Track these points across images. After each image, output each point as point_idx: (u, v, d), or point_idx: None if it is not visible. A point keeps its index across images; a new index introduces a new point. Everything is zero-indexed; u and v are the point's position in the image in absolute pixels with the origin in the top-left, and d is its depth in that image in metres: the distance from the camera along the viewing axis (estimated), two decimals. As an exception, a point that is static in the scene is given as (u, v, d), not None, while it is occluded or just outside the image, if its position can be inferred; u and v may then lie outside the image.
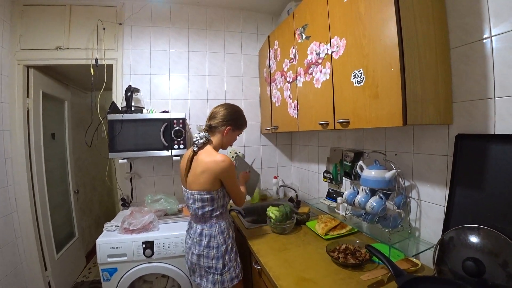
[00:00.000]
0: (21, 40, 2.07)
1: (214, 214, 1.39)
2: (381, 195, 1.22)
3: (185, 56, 2.40)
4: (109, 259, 1.64)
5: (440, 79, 1.06)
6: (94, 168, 3.76)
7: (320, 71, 1.44)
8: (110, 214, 4.20)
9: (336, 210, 1.62)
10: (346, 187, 1.74)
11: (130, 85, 1.96)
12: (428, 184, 1.20)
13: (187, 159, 1.42)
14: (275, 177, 2.50)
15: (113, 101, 1.97)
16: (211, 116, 1.46)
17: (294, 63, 1.75)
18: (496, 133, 0.97)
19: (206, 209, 1.37)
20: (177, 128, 2.02)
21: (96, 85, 2.12)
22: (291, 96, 1.81)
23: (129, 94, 1.93)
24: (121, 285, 1.68)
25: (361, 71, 1.12)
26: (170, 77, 2.37)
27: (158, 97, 2.33)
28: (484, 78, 0.99)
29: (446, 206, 1.09)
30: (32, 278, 2.13)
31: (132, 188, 2.29)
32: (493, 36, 0.96)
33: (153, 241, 1.69)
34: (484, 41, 0.98)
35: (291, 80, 1.80)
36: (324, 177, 1.88)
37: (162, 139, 1.98)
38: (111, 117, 1.84)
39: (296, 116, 1.74)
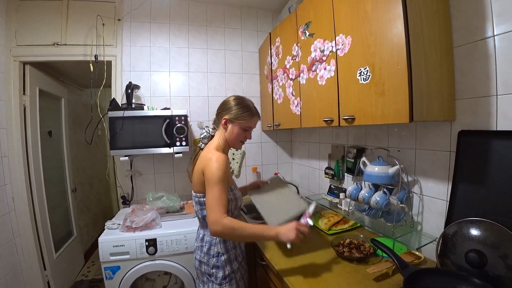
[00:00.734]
0: (17, 35, 2.03)
1: None
2: (385, 190, 1.24)
3: (185, 53, 2.39)
4: (112, 258, 1.64)
5: (444, 77, 1.09)
6: (91, 166, 3.73)
7: (325, 68, 1.45)
8: (107, 212, 4.18)
9: (339, 206, 1.65)
10: (348, 183, 1.76)
11: (130, 82, 1.95)
12: (430, 179, 1.23)
13: (194, 155, 1.37)
14: (275, 174, 2.52)
15: (114, 98, 1.95)
16: (218, 109, 1.34)
17: (297, 60, 1.76)
18: (498, 129, 0.99)
19: (205, 213, 1.22)
20: (179, 125, 2.01)
21: (95, 82, 2.10)
22: (294, 93, 1.82)
23: (129, 91, 1.92)
24: (123, 283, 1.68)
25: (367, 68, 1.14)
26: (170, 74, 2.36)
27: (158, 94, 2.32)
28: (487, 76, 1.02)
29: (448, 200, 1.12)
30: (31, 278, 2.10)
31: (132, 185, 2.28)
32: (496, 35, 0.98)
33: (156, 239, 1.69)
34: (487, 40, 1.01)
35: (293, 77, 1.81)
36: (325, 173, 1.90)
37: (164, 136, 1.97)
38: (112, 114, 1.82)
39: (299, 113, 1.75)
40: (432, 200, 1.23)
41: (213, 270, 1.23)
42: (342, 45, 1.29)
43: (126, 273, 1.68)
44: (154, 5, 2.31)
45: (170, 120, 1.99)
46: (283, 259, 1.29)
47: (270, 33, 2.18)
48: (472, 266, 0.95)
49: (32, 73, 2.14)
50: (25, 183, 2.06)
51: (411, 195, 1.30)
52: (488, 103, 1.02)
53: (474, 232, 0.98)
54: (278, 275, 1.19)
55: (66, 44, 2.08)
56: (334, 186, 1.86)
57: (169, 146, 2.01)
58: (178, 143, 2.02)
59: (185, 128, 2.02)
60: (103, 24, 2.13)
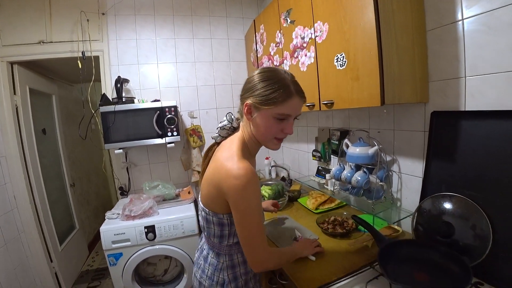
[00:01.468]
0: (1, 36, 2.03)
1: (225, 243, 0.97)
2: (365, 169, 1.32)
3: (171, 44, 2.40)
4: (114, 245, 1.74)
5: (417, 60, 1.13)
6: (87, 160, 3.79)
7: (305, 55, 1.49)
8: (107, 204, 4.28)
9: (325, 186, 1.73)
10: (334, 164, 1.84)
11: (119, 76, 1.98)
12: (407, 158, 1.31)
13: (206, 150, 1.07)
14: (266, 158, 2.60)
15: (104, 93, 1.99)
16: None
17: (280, 47, 1.79)
18: (466, 109, 1.05)
19: (213, 232, 0.97)
20: (169, 116, 2.07)
21: (84, 77, 2.12)
22: (279, 80, 1.86)
23: (119, 85, 1.95)
24: (127, 268, 1.79)
25: (343, 55, 1.18)
26: (158, 66, 2.38)
27: (147, 86, 2.35)
28: (456, 59, 1.06)
29: (423, 177, 1.20)
30: (39, 270, 2.21)
31: (129, 176, 2.35)
32: (465, 19, 1.01)
33: (154, 225, 1.78)
34: (457, 23, 1.04)
35: (278, 64, 1.85)
36: (313, 155, 1.97)
37: (156, 128, 2.03)
38: (103, 109, 1.87)
39: (284, 99, 1.80)
40: (409, 178, 1.31)
41: None
42: (320, 32, 1.33)
43: (129, 259, 1.79)
44: (137, -4, 2.30)
45: (161, 112, 2.04)
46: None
47: (254, 20, 2.19)
48: (442, 237, 1.04)
49: (21, 73, 2.16)
50: (24, 181, 2.13)
51: (390, 173, 1.38)
52: (457, 84, 1.07)
53: (445, 205, 1.06)
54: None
55: (52, 42, 2.09)
56: (321, 167, 1.94)
57: (161, 137, 2.07)
58: (169, 134, 2.08)
59: (175, 118, 2.07)
60: (88, 20, 2.13)
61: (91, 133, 2.33)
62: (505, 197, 0.91)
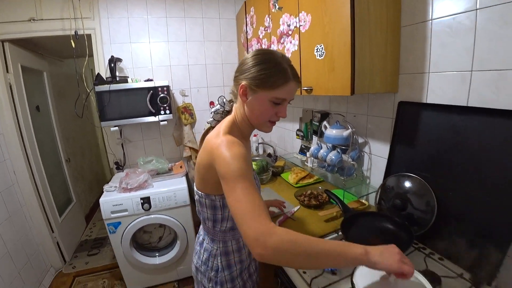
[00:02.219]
0: (-8, 13, 2.03)
1: (218, 228, 0.98)
2: (339, 150, 1.48)
3: (163, 23, 2.43)
4: (113, 215, 1.90)
5: (389, 54, 1.24)
6: (81, 137, 3.88)
7: (290, 42, 1.59)
8: (101, 178, 4.43)
9: (306, 163, 1.90)
10: (315, 143, 2.00)
11: (112, 56, 2.04)
12: (377, 141, 1.47)
13: (202, 135, 1.05)
14: (255, 135, 2.74)
15: (98, 73, 2.06)
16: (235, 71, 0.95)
17: (268, 31, 1.87)
18: (427, 102, 1.19)
19: (206, 215, 0.97)
20: (162, 95, 2.16)
21: (76, 54, 2.16)
22: (267, 63, 1.95)
23: (112, 65, 2.02)
24: (125, 236, 1.97)
25: (322, 46, 1.29)
26: (151, 44, 2.42)
27: (140, 65, 2.41)
28: (423, 55, 1.18)
29: (387, 158, 1.36)
30: (42, 240, 2.39)
31: (124, 152, 2.47)
32: (433, 19, 1.11)
33: (149, 197, 1.95)
34: (426, 22, 1.14)
35: (266, 47, 1.94)
36: (297, 134, 2.13)
37: (149, 106, 2.13)
38: (98, 88, 1.95)
39: (272, 82, 1.91)
40: (378, 158, 1.48)
41: (211, 285, 1.02)
42: (304, 22, 1.42)
43: (126, 227, 1.96)
44: (128, -27, 2.29)
45: (154, 91, 2.13)
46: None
47: (245, 2, 2.23)
48: (399, 210, 1.22)
49: (12, 50, 2.17)
50: (23, 157, 2.22)
51: (362, 154, 1.54)
52: (422, 79, 1.20)
53: (404, 184, 1.23)
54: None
55: (42, 19, 2.09)
56: (304, 146, 2.10)
57: (154, 115, 2.18)
58: (162, 112, 2.19)
59: (168, 97, 2.17)
60: (79, -3, 2.14)
61: (86, 111, 2.41)
62: (449, 180, 1.09)
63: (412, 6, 1.20)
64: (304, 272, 1.03)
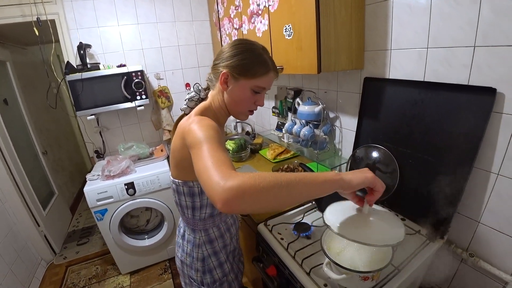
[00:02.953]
0: None
1: (198, 215, 0.98)
2: (311, 125, 1.57)
3: (131, 4, 2.34)
4: (98, 203, 1.94)
5: (354, 32, 1.29)
6: (55, 127, 3.76)
7: (260, 22, 1.60)
8: (81, 168, 4.37)
9: (282, 139, 1.99)
10: (290, 119, 2.08)
11: (81, 42, 1.98)
12: (347, 115, 1.56)
13: (175, 122, 1.01)
14: (233, 115, 2.78)
15: (68, 61, 1.99)
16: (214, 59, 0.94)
17: (239, 10, 1.86)
18: (389, 77, 1.28)
19: (185, 204, 0.97)
20: (136, 80, 2.14)
21: (42, 42, 2.08)
22: (239, 43, 1.97)
23: (82, 51, 1.96)
24: (113, 222, 2.02)
25: (290, 26, 1.33)
26: (120, 28, 2.35)
27: (111, 50, 2.34)
28: (385, 33, 1.24)
29: (356, 131, 1.46)
30: (29, 235, 2.39)
31: (103, 140, 2.46)
32: None
33: (133, 182, 1.99)
34: (389, 1, 1.19)
35: (237, 27, 1.94)
36: (273, 112, 2.19)
37: (124, 92, 2.11)
38: (70, 77, 1.90)
39: (245, 62, 1.94)
40: (348, 132, 1.57)
41: (199, 275, 1.04)
42: (272, 1, 1.44)
43: (113, 213, 2.01)
44: (87, -50, 2.16)
45: (128, 77, 2.10)
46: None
47: (215, -21, 2.19)
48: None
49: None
50: (-4, 153, 2.14)
51: (333, 128, 1.64)
52: (384, 55, 1.27)
53: (373, 154, 1.33)
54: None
55: (-1, 5, 1.98)
56: (280, 122, 2.17)
57: (130, 101, 2.16)
58: (138, 97, 2.18)
59: (143, 82, 2.15)
60: (36, -21, 2.01)
61: (59, 101, 2.35)
62: (408, 148, 1.20)
63: (374, -16, 1.25)
64: (282, 239, 1.14)
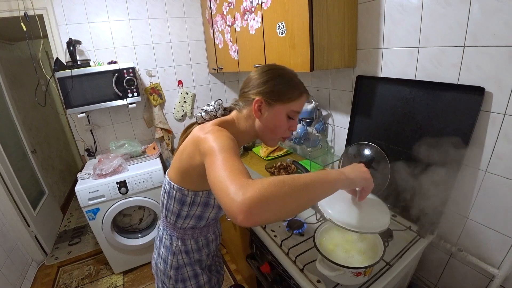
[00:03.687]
0: None
1: (180, 224, 0.95)
2: (304, 123, 1.58)
3: (122, -1, 2.31)
4: (90, 202, 1.91)
5: (346, 30, 1.30)
6: (44, 125, 3.68)
7: (253, 19, 1.60)
8: (72, 167, 4.30)
9: (276, 138, 2.00)
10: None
11: (70, 39, 1.93)
12: (339, 113, 1.57)
13: (185, 128, 0.98)
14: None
15: (57, 58, 1.95)
16: (241, 87, 0.93)
17: (232, 7, 1.85)
18: (382, 76, 1.29)
19: (171, 208, 0.93)
20: (128, 77, 2.11)
21: (29, 37, 2.02)
22: (232, 40, 1.96)
23: (71, 48, 1.92)
24: (105, 221, 2.00)
25: (284, 23, 1.33)
26: (111, 24, 2.30)
27: (101, 46, 2.30)
28: (378, 32, 1.25)
29: (348, 129, 1.47)
30: (19, 235, 2.34)
31: (94, 138, 2.42)
32: None
33: (125, 181, 1.97)
34: (380, 0, 1.20)
35: (230, 24, 1.93)
36: (267, 110, 2.20)
37: (116, 90, 2.07)
38: (59, 74, 1.86)
39: (237, 58, 1.93)
40: (340, 129, 1.59)
41: (171, 283, 1.01)
42: (265, -1, 1.44)
43: (105, 212, 1.99)
44: None
45: (119, 74, 2.07)
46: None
47: (207, -25, 2.17)
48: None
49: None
50: (-17, 151, 2.09)
51: (326, 125, 1.65)
52: (376, 54, 1.29)
53: (363, 151, 1.36)
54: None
55: (-17, -1, 1.92)
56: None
57: (122, 98, 2.13)
58: (130, 95, 2.14)
59: (134, 79, 2.12)
60: (23, -27, 1.96)
61: (48, 99, 2.30)
62: (399, 145, 1.22)
63: (367, -17, 1.25)
64: (275, 236, 1.15)
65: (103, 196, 1.93)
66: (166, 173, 0.97)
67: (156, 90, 2.54)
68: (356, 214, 0.80)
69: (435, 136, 1.08)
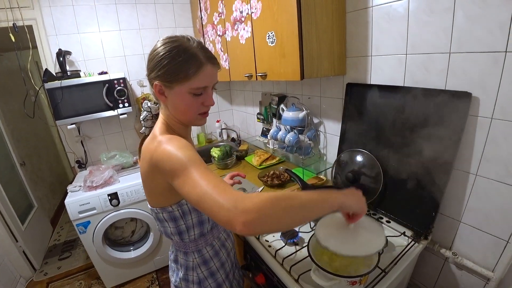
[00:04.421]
0: None
1: (187, 238, 0.91)
2: (295, 131, 1.58)
3: (113, 10, 2.30)
4: (81, 215, 1.87)
5: (335, 39, 1.32)
6: (34, 137, 3.61)
7: (244, 29, 1.61)
8: (63, 179, 4.22)
9: (267, 145, 2.00)
10: (275, 125, 2.09)
11: (60, 49, 1.92)
12: (331, 120, 1.58)
13: (138, 146, 0.94)
14: (217, 121, 2.77)
15: (46, 68, 1.93)
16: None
17: (222, 17, 1.87)
18: (371, 83, 1.31)
19: (169, 230, 0.89)
20: (119, 88, 2.09)
21: (19, 49, 2.00)
22: (222, 49, 1.97)
23: (61, 58, 1.90)
24: (96, 234, 1.95)
25: (273, 33, 1.34)
26: (101, 34, 2.29)
27: (92, 57, 2.29)
28: (366, 40, 1.27)
29: (340, 136, 1.48)
30: (7, 251, 2.27)
31: (84, 149, 2.39)
32: (373, 6, 1.20)
33: (117, 192, 1.94)
34: (367, 9, 1.23)
35: (221, 34, 1.94)
36: (257, 118, 2.20)
37: (106, 101, 2.06)
38: (49, 85, 1.83)
39: (228, 68, 1.94)
40: (332, 137, 1.59)
41: None
42: (255, 9, 1.45)
43: (96, 225, 1.94)
44: (66, -44, 2.12)
45: (110, 84, 2.06)
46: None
47: (197, -14, 2.19)
48: (350, 182, 1.34)
49: None
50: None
51: (318, 133, 1.65)
52: (365, 61, 1.31)
53: (355, 158, 1.35)
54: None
55: (-29, 11, 1.90)
56: (265, 128, 2.18)
57: (112, 109, 2.11)
58: (121, 105, 2.13)
59: (125, 90, 2.11)
60: (12, -15, 1.95)
61: (38, 110, 2.27)
62: (390, 151, 1.22)
63: (354, -8, 1.28)
64: (270, 246, 1.13)
65: (94, 208, 1.89)
66: (147, 202, 0.91)
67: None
68: (351, 238, 0.82)
69: (425, 141, 1.09)
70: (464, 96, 0.95)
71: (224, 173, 1.84)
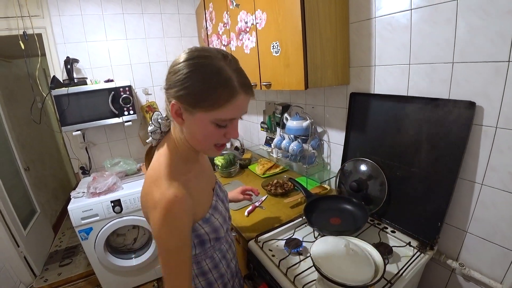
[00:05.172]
0: None
1: None
2: (299, 140, 1.59)
3: (120, 19, 2.36)
4: (83, 221, 1.87)
5: (339, 49, 1.34)
6: (39, 143, 3.65)
7: (248, 39, 1.64)
8: (66, 185, 4.23)
9: (271, 154, 2.00)
10: (278, 135, 2.09)
11: (68, 57, 1.96)
12: (334, 129, 1.58)
13: (145, 154, 0.91)
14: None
15: (54, 75, 1.97)
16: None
17: (227, 28, 1.90)
18: (375, 92, 1.31)
19: None
20: (124, 95, 2.13)
21: (27, 55, 2.04)
22: (228, 59, 1.99)
23: (69, 66, 1.94)
24: (98, 241, 1.95)
25: (278, 43, 1.36)
26: (108, 43, 2.35)
27: (98, 64, 2.33)
28: (369, 50, 1.29)
29: (343, 145, 1.48)
30: (7, 256, 2.26)
31: (89, 156, 2.41)
32: (376, 17, 1.22)
33: (120, 199, 1.94)
34: (370, 20, 1.25)
35: (226, 44, 1.97)
36: (261, 127, 2.21)
37: (112, 108, 2.08)
38: (55, 92, 1.87)
39: (233, 77, 1.95)
40: (336, 146, 1.60)
41: None
42: (260, 19, 1.48)
43: (99, 232, 1.94)
44: (77, -33, 2.18)
45: (115, 92, 2.09)
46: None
47: (203, -3, 2.23)
48: (354, 191, 1.33)
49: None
50: (-26, 168, 2.06)
51: (322, 142, 1.66)
52: (369, 71, 1.32)
53: (359, 168, 1.35)
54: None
55: (-17, 19, 1.95)
56: (269, 137, 2.19)
57: (117, 116, 2.14)
58: (126, 113, 2.15)
59: (130, 98, 2.14)
60: (24, -6, 2.01)
61: (44, 116, 2.30)
62: (395, 160, 1.22)
63: (358, 4, 1.30)
64: (273, 256, 1.12)
65: (96, 215, 1.89)
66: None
67: (152, 108, 2.55)
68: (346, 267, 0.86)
69: (430, 151, 1.08)
70: (468, 106, 0.96)
71: (228, 181, 1.84)
